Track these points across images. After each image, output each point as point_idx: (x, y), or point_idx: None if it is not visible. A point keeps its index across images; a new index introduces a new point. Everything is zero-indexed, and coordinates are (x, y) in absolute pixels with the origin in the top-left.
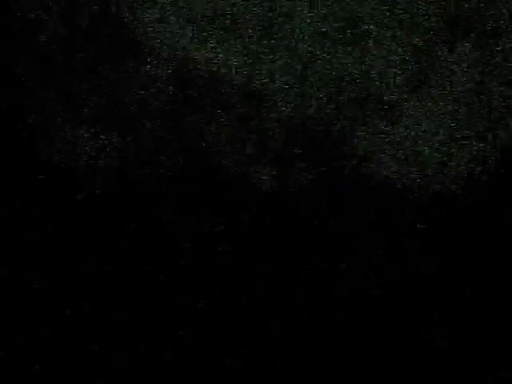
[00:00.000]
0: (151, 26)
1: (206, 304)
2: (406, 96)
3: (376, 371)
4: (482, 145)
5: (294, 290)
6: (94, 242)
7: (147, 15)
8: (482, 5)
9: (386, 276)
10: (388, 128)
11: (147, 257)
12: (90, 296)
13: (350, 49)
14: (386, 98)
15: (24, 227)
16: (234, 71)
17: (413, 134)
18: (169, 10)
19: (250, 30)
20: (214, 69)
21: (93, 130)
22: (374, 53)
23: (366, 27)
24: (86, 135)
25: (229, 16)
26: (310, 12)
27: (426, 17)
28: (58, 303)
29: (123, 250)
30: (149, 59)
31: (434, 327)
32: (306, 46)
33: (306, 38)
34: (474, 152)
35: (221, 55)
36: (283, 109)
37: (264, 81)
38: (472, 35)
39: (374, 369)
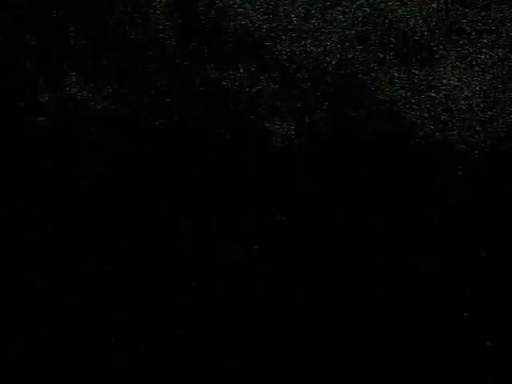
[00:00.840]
0: None
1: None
2: (443, 41)
3: (376, 371)
4: None
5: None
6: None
7: None
8: None
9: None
10: (423, 73)
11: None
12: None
13: None
14: (422, 42)
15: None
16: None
17: (448, 81)
18: None
19: None
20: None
21: None
22: None
23: None
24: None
25: None
26: None
27: None
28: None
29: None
30: None
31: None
32: None
33: None
34: None
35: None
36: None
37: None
38: None
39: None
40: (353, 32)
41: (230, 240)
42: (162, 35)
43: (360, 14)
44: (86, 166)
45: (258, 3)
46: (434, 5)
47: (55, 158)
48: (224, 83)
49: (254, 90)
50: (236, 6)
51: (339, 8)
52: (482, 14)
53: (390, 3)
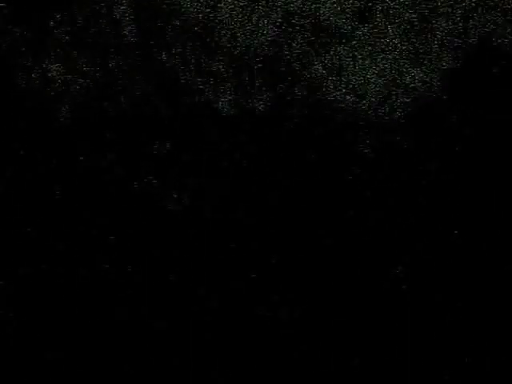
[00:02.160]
0: None
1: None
2: (356, 25)
3: (377, 370)
4: (425, 70)
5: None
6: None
7: None
8: None
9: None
10: (338, 56)
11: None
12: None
13: None
14: (336, 27)
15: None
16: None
17: (362, 62)
18: None
19: None
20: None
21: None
22: None
23: None
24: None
25: None
26: None
27: None
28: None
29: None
30: None
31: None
32: None
33: None
34: (419, 79)
35: None
36: (237, 39)
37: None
38: None
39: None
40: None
41: None
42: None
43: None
44: None
45: None
46: None
47: None
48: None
49: None
50: None
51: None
52: None
53: None
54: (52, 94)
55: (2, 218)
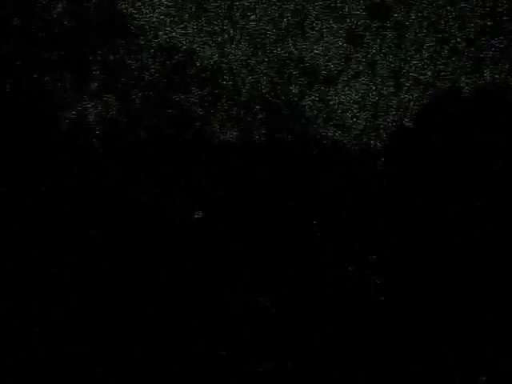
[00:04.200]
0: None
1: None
2: (341, 70)
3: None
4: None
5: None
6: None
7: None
8: None
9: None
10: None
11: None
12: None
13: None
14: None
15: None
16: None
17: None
18: None
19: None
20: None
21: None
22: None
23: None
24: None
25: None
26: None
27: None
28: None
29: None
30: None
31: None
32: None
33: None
34: (392, 115)
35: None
36: (244, 82)
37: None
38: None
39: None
40: None
41: None
42: None
43: None
44: None
45: None
46: None
47: None
48: None
49: None
50: None
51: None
52: None
53: None
54: None
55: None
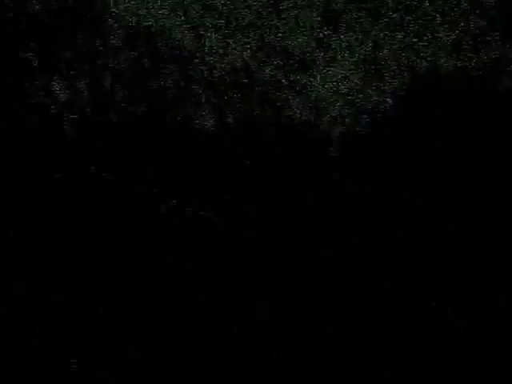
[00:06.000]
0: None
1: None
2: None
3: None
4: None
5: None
6: None
7: None
8: None
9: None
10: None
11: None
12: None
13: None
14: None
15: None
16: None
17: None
18: None
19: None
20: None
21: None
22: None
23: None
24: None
25: None
26: None
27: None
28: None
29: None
30: None
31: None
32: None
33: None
34: (369, 100)
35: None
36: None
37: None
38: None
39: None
40: None
41: None
42: None
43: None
44: None
45: None
46: None
47: None
48: None
49: None
50: None
51: None
52: None
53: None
54: None
55: None
